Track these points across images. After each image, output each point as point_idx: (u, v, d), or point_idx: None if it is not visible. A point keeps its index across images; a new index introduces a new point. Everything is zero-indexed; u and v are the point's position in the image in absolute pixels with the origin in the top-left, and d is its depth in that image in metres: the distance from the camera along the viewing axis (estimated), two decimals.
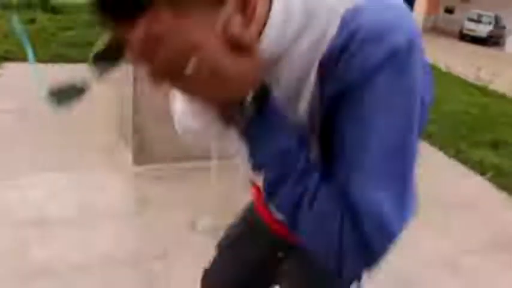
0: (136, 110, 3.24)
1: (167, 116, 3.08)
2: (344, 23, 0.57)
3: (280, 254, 1.13)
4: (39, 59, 6.02)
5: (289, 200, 0.63)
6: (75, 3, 10.65)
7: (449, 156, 4.55)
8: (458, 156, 4.54)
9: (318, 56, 0.60)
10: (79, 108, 3.87)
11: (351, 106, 0.58)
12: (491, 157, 4.68)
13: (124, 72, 3.39)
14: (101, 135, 3.84)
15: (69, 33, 7.50)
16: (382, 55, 0.55)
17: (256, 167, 0.64)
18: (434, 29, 20.96)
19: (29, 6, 9.50)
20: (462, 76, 9.02)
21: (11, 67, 5.53)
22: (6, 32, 7.39)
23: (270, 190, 0.64)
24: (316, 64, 0.60)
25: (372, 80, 0.56)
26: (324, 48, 0.59)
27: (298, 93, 0.65)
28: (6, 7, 9.37)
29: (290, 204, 0.63)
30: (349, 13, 0.58)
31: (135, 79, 3.17)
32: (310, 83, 0.63)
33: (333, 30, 0.58)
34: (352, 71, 0.56)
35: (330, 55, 0.58)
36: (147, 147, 3.35)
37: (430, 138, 4.85)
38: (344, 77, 0.57)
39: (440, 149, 4.66)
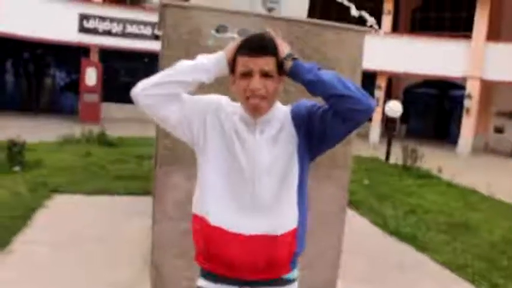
0: (155, 248, 3.42)
1: (185, 254, 3.23)
2: (293, 106, 1.87)
3: None
4: (85, 191, 6.49)
5: (337, 78, 1.67)
6: (129, 137, 11.64)
7: None
8: None
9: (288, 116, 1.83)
10: (112, 241, 4.07)
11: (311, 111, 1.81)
12: None
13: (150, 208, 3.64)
14: (125, 270, 4.02)
15: (118, 166, 8.12)
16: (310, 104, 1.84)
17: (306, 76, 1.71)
18: (485, 149, 20.69)
19: (87, 140, 10.50)
20: (507, 199, 8.68)
21: (59, 200, 6.00)
22: (64, 165, 8.11)
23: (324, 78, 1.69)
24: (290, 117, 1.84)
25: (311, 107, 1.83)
26: (289, 113, 1.84)
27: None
28: (68, 142, 10.40)
29: (339, 79, 1.67)
30: (292, 106, 1.88)
31: (154, 219, 3.40)
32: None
33: (288, 110, 1.86)
34: (304, 110, 1.82)
35: (293, 113, 1.83)
36: (166, 284, 3.45)
37: (462, 270, 4.63)
38: (305, 112, 1.81)
39: (473, 282, 4.42)
